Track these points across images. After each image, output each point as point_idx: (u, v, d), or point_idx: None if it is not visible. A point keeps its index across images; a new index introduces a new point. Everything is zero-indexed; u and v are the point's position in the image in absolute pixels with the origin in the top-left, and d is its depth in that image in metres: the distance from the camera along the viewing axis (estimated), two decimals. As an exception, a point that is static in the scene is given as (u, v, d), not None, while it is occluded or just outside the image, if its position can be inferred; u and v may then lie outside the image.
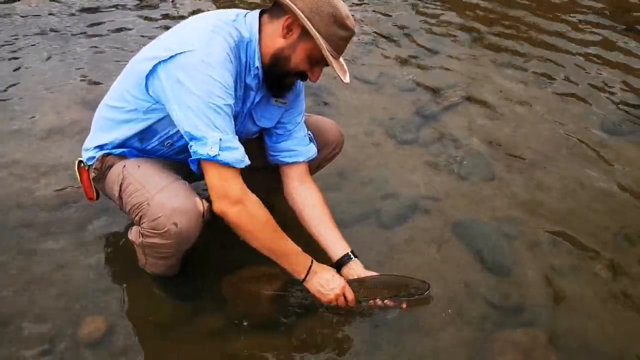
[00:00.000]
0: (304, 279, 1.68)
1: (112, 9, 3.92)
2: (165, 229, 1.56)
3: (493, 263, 2.09)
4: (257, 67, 1.62)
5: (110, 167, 1.73)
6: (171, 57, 1.49)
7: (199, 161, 1.54)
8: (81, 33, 3.57)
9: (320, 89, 3.18)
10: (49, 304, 1.80)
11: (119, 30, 3.66)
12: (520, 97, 3.22)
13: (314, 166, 2.00)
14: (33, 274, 1.91)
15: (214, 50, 1.49)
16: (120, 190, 1.67)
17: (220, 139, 1.49)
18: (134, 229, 1.70)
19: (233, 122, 1.55)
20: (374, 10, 4.22)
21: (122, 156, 1.74)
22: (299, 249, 1.68)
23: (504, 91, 3.28)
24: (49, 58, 3.25)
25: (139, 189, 1.62)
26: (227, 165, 1.52)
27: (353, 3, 4.35)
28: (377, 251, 2.12)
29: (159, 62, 1.51)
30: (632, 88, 3.36)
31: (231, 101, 1.53)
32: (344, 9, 1.55)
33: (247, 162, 1.56)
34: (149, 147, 1.74)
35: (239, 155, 1.54)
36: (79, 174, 1.82)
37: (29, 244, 2.02)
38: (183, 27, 1.59)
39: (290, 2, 1.52)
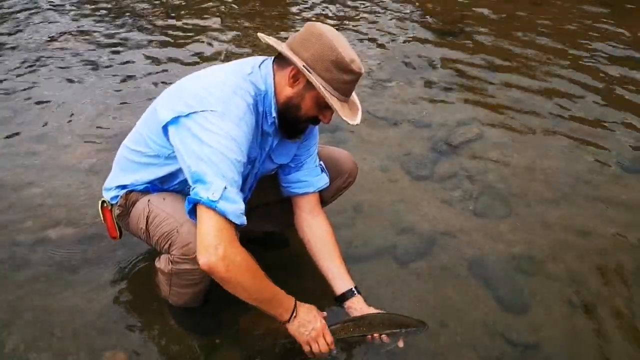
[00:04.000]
0: (287, 321, 1.65)
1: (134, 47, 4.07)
2: (196, 254, 1.54)
3: (510, 300, 2.09)
4: (274, 117, 1.67)
5: (134, 203, 1.78)
6: (189, 114, 1.52)
7: (194, 205, 1.50)
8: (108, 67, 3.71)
9: (335, 124, 3.23)
10: (69, 338, 1.83)
11: (144, 68, 3.79)
12: (535, 134, 3.24)
13: (328, 196, 2.04)
14: (53, 308, 1.95)
15: (232, 111, 1.52)
16: (147, 223, 1.71)
17: (225, 188, 1.47)
18: (163, 257, 1.74)
19: (241, 180, 1.55)
20: (387, 47, 4.31)
21: (146, 192, 1.79)
22: (282, 291, 1.64)
23: (519, 128, 3.30)
24: (76, 93, 3.38)
25: (166, 218, 1.67)
26: (223, 215, 1.47)
27: (365, 39, 4.45)
28: (393, 287, 2.13)
29: (179, 117, 1.55)
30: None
31: (242, 159, 1.54)
32: (348, 53, 1.56)
33: (244, 221, 1.52)
34: (170, 189, 1.79)
35: (238, 209, 1.49)
36: (102, 214, 1.87)
37: (48, 278, 2.07)
38: (205, 81, 1.61)
39: (291, 55, 1.56)
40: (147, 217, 1.72)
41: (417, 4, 5.36)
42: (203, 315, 1.91)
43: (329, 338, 1.67)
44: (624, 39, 4.56)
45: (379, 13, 5.04)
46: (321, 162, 1.96)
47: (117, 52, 4.01)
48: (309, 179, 1.91)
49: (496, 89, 3.75)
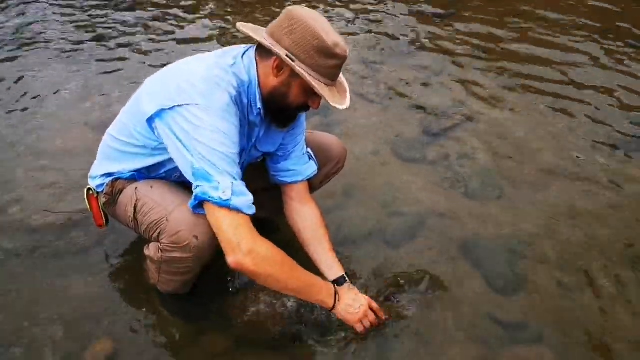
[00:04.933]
0: (333, 307, 1.69)
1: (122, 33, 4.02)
2: (187, 242, 1.59)
3: (500, 280, 2.09)
4: (260, 107, 1.65)
5: (121, 190, 1.77)
6: (173, 107, 1.51)
7: (201, 203, 1.52)
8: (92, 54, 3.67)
9: (326, 108, 3.21)
10: (56, 326, 1.83)
11: (128, 51, 3.75)
12: (527, 116, 3.23)
13: (317, 182, 2.03)
14: (40, 296, 1.94)
15: (214, 104, 1.51)
16: (135, 211, 1.71)
17: (233, 183, 1.49)
18: (152, 245, 1.73)
19: (240, 170, 1.57)
20: (378, 32, 4.27)
21: (132, 179, 1.78)
22: (319, 278, 1.69)
23: (509, 110, 3.29)
24: (61, 77, 3.34)
25: (155, 207, 1.66)
26: (238, 210, 1.49)
27: (356, 22, 4.41)
28: (383, 269, 2.12)
29: (162, 110, 1.53)
30: (638, 105, 3.35)
31: (236, 150, 1.54)
32: (331, 36, 1.52)
33: (255, 210, 1.54)
34: (157, 176, 1.78)
35: (249, 201, 1.52)
36: (89, 202, 1.86)
37: (35, 267, 2.06)
38: (187, 73, 1.59)
39: (272, 44, 1.53)
40: (135, 206, 1.71)
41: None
42: (191, 302, 1.91)
43: (377, 309, 1.76)
44: (625, 22, 4.51)
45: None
46: (309, 150, 1.95)
47: (108, 34, 3.97)
48: (298, 167, 1.90)
49: (487, 71, 3.73)
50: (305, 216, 1.90)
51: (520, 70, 3.72)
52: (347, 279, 1.80)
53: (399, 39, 4.16)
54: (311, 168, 1.93)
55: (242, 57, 1.62)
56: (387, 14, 4.61)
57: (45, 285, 1.98)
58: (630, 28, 4.34)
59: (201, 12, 4.48)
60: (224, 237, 1.50)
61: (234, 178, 1.51)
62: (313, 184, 2.00)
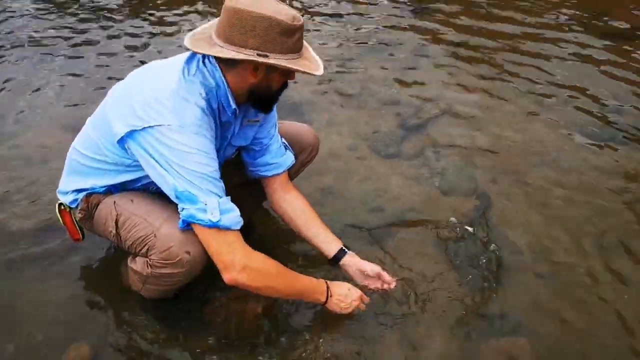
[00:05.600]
0: (325, 302, 1.75)
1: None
2: (178, 258, 1.59)
3: (477, 274, 2.11)
4: (234, 108, 1.63)
5: (97, 205, 1.73)
6: (144, 128, 1.47)
7: (189, 224, 1.52)
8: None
9: (303, 104, 3.21)
10: (32, 332, 1.79)
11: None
12: (502, 110, 3.26)
13: (293, 170, 2.05)
14: (16, 302, 1.90)
15: (187, 122, 1.48)
16: (117, 227, 1.68)
17: (219, 202, 1.49)
18: (139, 260, 1.70)
19: (222, 183, 1.55)
20: (354, 27, 4.27)
21: (107, 192, 1.74)
22: (311, 278, 1.74)
23: (485, 104, 3.32)
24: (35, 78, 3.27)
25: (140, 222, 1.64)
26: (227, 229, 1.50)
27: (333, 19, 4.40)
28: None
29: (133, 131, 1.50)
30: (610, 95, 3.40)
31: (216, 165, 1.53)
32: (285, 13, 1.48)
33: (242, 222, 1.55)
34: (133, 189, 1.74)
35: (236, 216, 1.53)
36: (62, 218, 1.82)
37: (11, 272, 2.01)
38: (153, 87, 1.53)
39: (239, 51, 1.48)
40: (117, 221, 1.68)
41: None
42: (168, 306, 1.89)
43: (366, 299, 1.84)
44: (598, 15, 4.57)
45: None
46: (284, 140, 1.95)
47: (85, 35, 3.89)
48: (277, 160, 1.91)
49: (463, 65, 3.76)
50: (293, 203, 1.93)
51: (496, 63, 3.76)
52: (346, 250, 1.88)
53: (374, 34, 4.17)
54: (289, 158, 1.95)
55: (202, 62, 1.58)
56: (362, 10, 4.61)
57: (22, 291, 1.94)
58: (607, 21, 4.41)
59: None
60: (217, 256, 1.53)
61: (219, 196, 1.51)
62: (290, 174, 2.02)
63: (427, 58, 3.83)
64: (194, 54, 1.59)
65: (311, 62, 1.60)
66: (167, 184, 1.50)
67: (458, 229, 2.33)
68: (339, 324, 1.86)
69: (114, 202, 1.70)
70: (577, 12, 4.53)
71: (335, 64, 3.69)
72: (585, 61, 3.81)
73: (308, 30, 4.24)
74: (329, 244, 1.88)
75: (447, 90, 3.45)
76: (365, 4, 4.73)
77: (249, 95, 1.63)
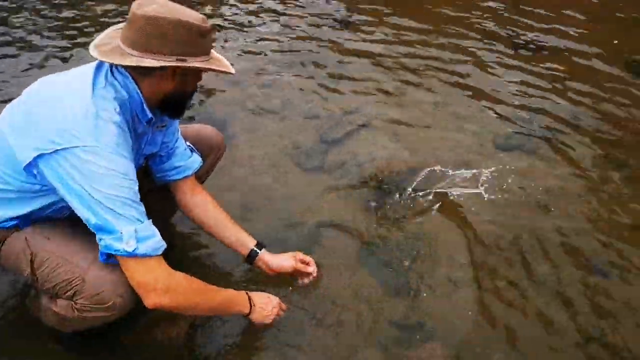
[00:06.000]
0: (249, 313, 1.77)
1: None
2: (111, 302, 1.54)
3: (395, 285, 2.17)
4: (150, 116, 1.60)
5: (2, 241, 1.61)
6: (57, 151, 1.39)
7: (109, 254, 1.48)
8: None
9: (224, 119, 3.19)
10: None
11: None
12: (420, 119, 3.37)
13: (204, 172, 2.07)
14: None
15: (104, 141, 1.42)
16: (32, 268, 1.57)
17: (136, 230, 1.44)
18: (61, 303, 1.60)
19: (143, 206, 1.50)
20: (275, 40, 4.29)
21: (14, 228, 1.61)
22: (232, 291, 1.75)
23: (404, 113, 3.41)
24: None
25: (62, 263, 1.55)
26: (147, 256, 1.47)
27: (253, 34, 4.40)
28: (283, 280, 2.13)
29: (42, 155, 1.41)
30: (520, 105, 3.60)
31: (136, 186, 1.48)
32: (196, 17, 1.49)
33: (164, 245, 1.52)
34: (42, 217, 1.64)
35: (156, 242, 1.49)
36: None
37: None
38: (60, 106, 1.44)
39: (157, 59, 1.46)
40: (32, 261, 1.57)
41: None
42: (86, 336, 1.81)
43: (284, 305, 1.90)
44: (517, 23, 4.81)
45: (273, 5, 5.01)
46: (189, 144, 1.96)
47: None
48: (183, 163, 1.91)
49: (383, 76, 3.85)
50: (203, 205, 1.95)
51: (415, 73, 3.88)
52: (259, 248, 1.95)
53: (296, 46, 4.20)
54: (196, 161, 1.96)
55: (111, 73, 1.53)
56: (284, 22, 4.64)
57: None
58: (519, 34, 4.67)
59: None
60: (138, 284, 1.49)
61: (138, 221, 1.45)
62: (200, 176, 2.03)
63: (348, 70, 3.91)
64: (99, 67, 1.54)
65: (221, 61, 1.63)
66: (83, 212, 1.43)
67: (375, 242, 2.39)
68: (260, 337, 1.88)
69: (25, 238, 1.59)
70: (490, 26, 4.76)
71: (256, 78, 3.69)
72: (498, 69, 4.01)
73: (226, 41, 4.22)
74: (243, 242, 1.93)
75: (367, 101, 3.52)
76: (288, 15, 4.76)
77: (162, 101, 1.61)
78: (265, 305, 1.80)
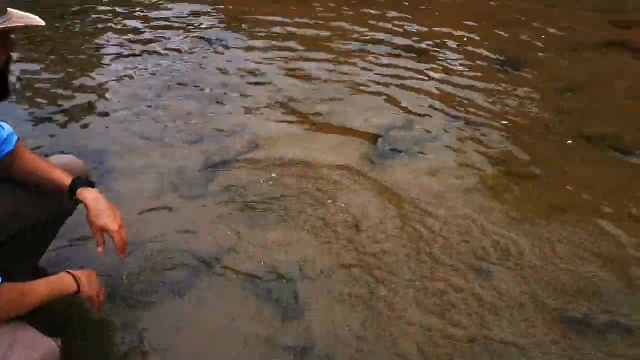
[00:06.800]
0: (79, 290, 1.65)
1: None
2: None
3: (283, 307, 2.13)
4: None
5: None
6: None
7: None
8: None
9: (102, 151, 3.01)
10: None
11: None
12: (307, 133, 3.37)
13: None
14: None
15: None
16: None
17: None
18: None
19: None
20: (155, 64, 4.15)
21: None
22: (54, 277, 1.63)
23: (290, 129, 3.40)
24: None
25: None
26: None
27: (131, 59, 4.23)
28: (171, 321, 2.03)
29: None
30: (398, 113, 3.71)
31: None
32: None
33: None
34: None
35: None
36: None
37: None
38: None
39: None
40: None
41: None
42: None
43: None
44: (411, 31, 4.95)
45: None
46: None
47: None
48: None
49: (267, 92, 3.83)
50: (24, 159, 1.78)
51: (297, 89, 3.89)
52: (81, 182, 1.77)
53: (176, 70, 4.08)
54: (12, 136, 1.77)
55: None
56: (166, 45, 4.50)
57: None
58: (419, 41, 4.83)
59: None
60: None
61: None
62: None
63: (230, 91, 3.84)
64: None
65: (26, 16, 1.50)
66: None
67: (265, 262, 2.34)
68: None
69: None
70: (396, 35, 4.90)
71: (134, 106, 3.52)
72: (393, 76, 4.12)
73: (102, 67, 4.02)
74: (63, 178, 1.77)
75: (252, 120, 3.47)
76: (168, 39, 4.62)
77: None
78: (89, 275, 1.71)
